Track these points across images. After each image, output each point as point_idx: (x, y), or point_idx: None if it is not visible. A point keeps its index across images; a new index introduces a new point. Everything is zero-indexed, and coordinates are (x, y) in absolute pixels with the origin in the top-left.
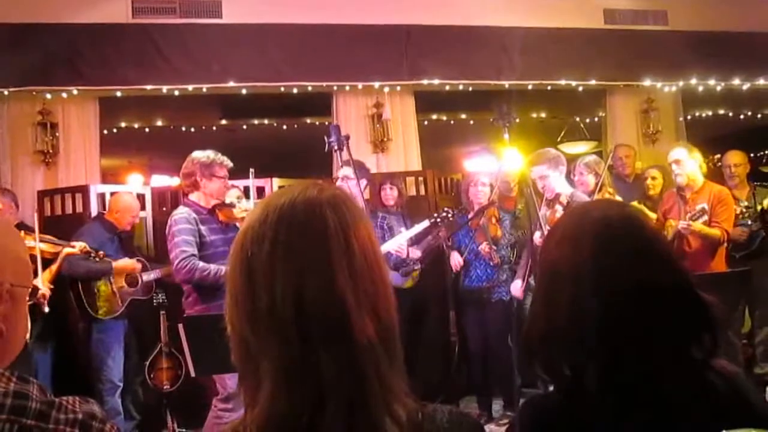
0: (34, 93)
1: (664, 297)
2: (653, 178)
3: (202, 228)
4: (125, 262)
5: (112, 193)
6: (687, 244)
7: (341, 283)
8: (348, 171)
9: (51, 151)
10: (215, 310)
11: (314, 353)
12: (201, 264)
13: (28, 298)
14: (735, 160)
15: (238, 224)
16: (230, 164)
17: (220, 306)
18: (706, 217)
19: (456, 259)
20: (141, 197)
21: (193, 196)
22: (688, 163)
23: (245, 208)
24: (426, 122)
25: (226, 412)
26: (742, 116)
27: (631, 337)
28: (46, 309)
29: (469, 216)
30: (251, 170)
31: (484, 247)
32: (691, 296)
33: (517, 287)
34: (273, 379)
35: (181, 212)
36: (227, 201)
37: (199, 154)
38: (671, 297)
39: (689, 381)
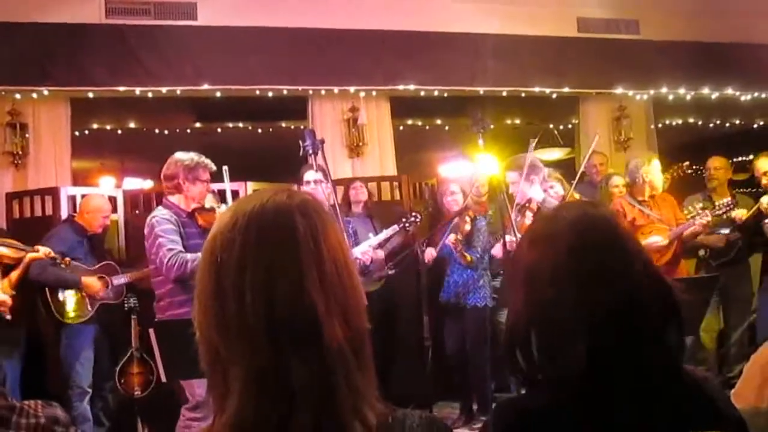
0: (3, 93)
1: (640, 294)
2: (618, 186)
3: (182, 231)
4: (93, 283)
5: (82, 196)
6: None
7: (311, 288)
8: (314, 175)
9: (20, 152)
10: (188, 316)
11: (283, 358)
12: (189, 255)
13: None
14: (716, 163)
15: None
16: (213, 167)
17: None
18: (734, 209)
19: (429, 253)
20: (113, 200)
21: (174, 198)
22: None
23: None
24: (401, 127)
25: (194, 421)
26: (711, 125)
27: (608, 337)
28: (8, 317)
29: (452, 221)
30: (225, 168)
31: (451, 238)
32: (665, 292)
33: (498, 249)
34: (242, 385)
35: (162, 213)
36: (207, 205)
37: (182, 156)
38: (646, 293)
39: (662, 384)
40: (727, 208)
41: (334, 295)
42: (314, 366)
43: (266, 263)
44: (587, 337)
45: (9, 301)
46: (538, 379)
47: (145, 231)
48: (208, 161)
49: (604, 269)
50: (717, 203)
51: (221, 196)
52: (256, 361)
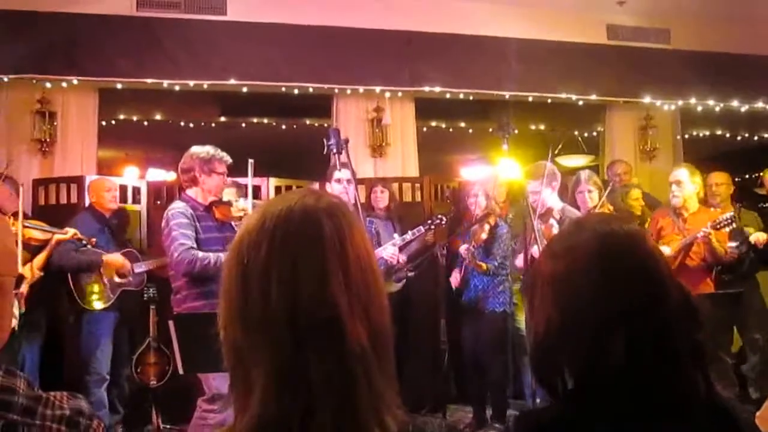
0: (34, 81)
1: (666, 306)
2: (635, 199)
3: (198, 225)
4: (115, 258)
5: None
6: (690, 258)
7: (335, 289)
8: (347, 174)
9: (48, 140)
10: (204, 309)
11: (306, 359)
12: (201, 254)
13: (14, 287)
14: (718, 179)
15: (233, 223)
16: (230, 160)
17: (209, 305)
18: (734, 225)
19: (454, 278)
20: (136, 190)
21: (191, 192)
22: (688, 186)
23: (242, 207)
24: (425, 129)
25: (210, 413)
26: (739, 137)
27: (635, 350)
28: (21, 308)
29: (471, 225)
30: (250, 162)
31: (462, 249)
32: (690, 306)
33: (520, 260)
34: (264, 384)
35: (178, 207)
36: (225, 199)
37: (198, 150)
38: (673, 307)
39: (690, 401)
40: (727, 222)
41: (357, 296)
42: (335, 366)
43: (292, 263)
44: (619, 345)
45: (26, 289)
46: (563, 390)
47: (162, 224)
48: (223, 154)
49: (630, 280)
50: (719, 218)
51: (245, 190)
52: (278, 359)
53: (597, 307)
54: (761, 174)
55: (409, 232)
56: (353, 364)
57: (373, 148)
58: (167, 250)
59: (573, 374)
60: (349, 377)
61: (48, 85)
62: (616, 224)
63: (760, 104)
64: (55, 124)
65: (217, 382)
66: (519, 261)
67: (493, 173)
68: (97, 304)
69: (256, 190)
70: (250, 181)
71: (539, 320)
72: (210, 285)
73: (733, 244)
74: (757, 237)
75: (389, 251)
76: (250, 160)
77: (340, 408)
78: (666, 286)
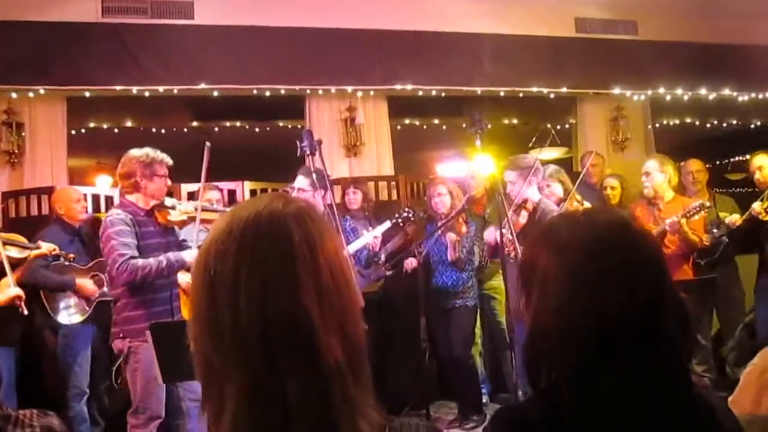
0: None
1: (660, 303)
2: (612, 188)
3: (139, 231)
4: (86, 284)
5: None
6: (665, 246)
7: (307, 299)
8: (306, 181)
9: (17, 151)
10: (144, 318)
11: (279, 372)
12: (141, 262)
13: None
14: (697, 167)
15: (177, 228)
16: (170, 162)
17: (148, 314)
18: (704, 213)
19: (410, 263)
20: (109, 199)
21: (132, 197)
22: (656, 176)
23: (185, 211)
24: (399, 127)
25: (135, 428)
26: (708, 125)
27: (625, 345)
28: (25, 311)
29: (439, 224)
30: (207, 144)
31: (450, 236)
32: (679, 302)
33: (491, 233)
34: (236, 400)
35: (117, 213)
36: (167, 203)
37: (137, 153)
38: (665, 303)
39: (671, 395)
40: (696, 210)
41: (330, 306)
42: (309, 379)
43: (261, 275)
44: (612, 344)
45: (23, 294)
46: (545, 387)
47: (100, 231)
48: (164, 156)
49: (629, 274)
50: (688, 207)
51: (224, 192)
52: (251, 376)
53: (592, 304)
54: (750, 157)
55: (377, 227)
56: (328, 376)
57: (348, 148)
58: (106, 258)
59: (564, 374)
60: (324, 390)
61: (14, 95)
62: (611, 218)
63: (726, 92)
64: (23, 134)
65: (142, 394)
66: (488, 234)
67: (466, 171)
68: (75, 318)
69: (232, 194)
70: (204, 164)
71: (534, 316)
72: (148, 294)
73: (714, 230)
74: (731, 219)
75: (370, 237)
76: (207, 144)
77: (315, 422)
78: (663, 285)
